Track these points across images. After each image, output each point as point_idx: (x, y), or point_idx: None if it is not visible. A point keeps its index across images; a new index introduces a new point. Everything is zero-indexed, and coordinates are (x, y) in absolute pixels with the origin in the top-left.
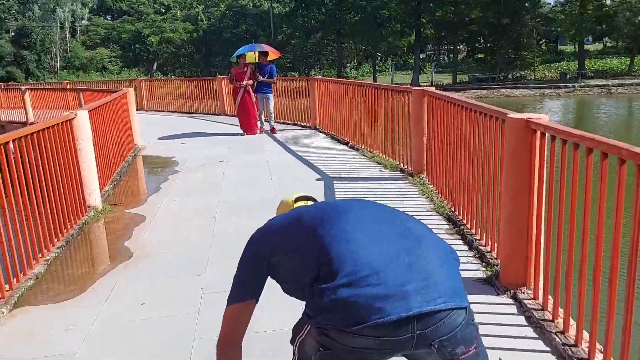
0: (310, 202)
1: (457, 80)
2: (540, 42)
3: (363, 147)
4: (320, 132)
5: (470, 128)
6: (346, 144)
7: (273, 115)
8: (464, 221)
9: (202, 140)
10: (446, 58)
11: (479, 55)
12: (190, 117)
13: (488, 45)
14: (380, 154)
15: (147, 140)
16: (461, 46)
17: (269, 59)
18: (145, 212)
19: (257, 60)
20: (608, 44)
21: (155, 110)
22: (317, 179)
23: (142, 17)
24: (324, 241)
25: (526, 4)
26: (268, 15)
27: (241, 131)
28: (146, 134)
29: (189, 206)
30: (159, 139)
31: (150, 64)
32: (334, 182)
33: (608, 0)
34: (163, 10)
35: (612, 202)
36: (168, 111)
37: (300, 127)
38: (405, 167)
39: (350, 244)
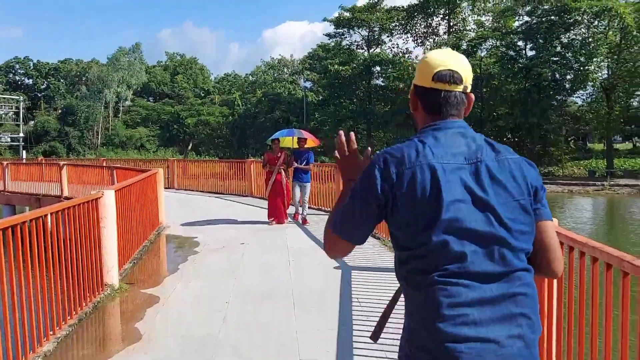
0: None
1: None
2: (569, 139)
3: (384, 236)
4: None
5: None
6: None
7: (307, 205)
8: None
9: (226, 221)
10: None
11: None
12: (218, 197)
13: (515, 140)
14: None
15: (172, 219)
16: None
17: (307, 145)
18: (160, 294)
19: (294, 146)
20: (638, 144)
21: (185, 189)
22: (335, 267)
23: (182, 101)
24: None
25: (553, 102)
26: (301, 102)
27: (268, 219)
28: (172, 213)
29: (203, 290)
30: (184, 218)
31: (186, 144)
32: (352, 271)
33: (635, 102)
34: (202, 95)
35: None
36: (198, 190)
37: (324, 213)
38: None
39: None
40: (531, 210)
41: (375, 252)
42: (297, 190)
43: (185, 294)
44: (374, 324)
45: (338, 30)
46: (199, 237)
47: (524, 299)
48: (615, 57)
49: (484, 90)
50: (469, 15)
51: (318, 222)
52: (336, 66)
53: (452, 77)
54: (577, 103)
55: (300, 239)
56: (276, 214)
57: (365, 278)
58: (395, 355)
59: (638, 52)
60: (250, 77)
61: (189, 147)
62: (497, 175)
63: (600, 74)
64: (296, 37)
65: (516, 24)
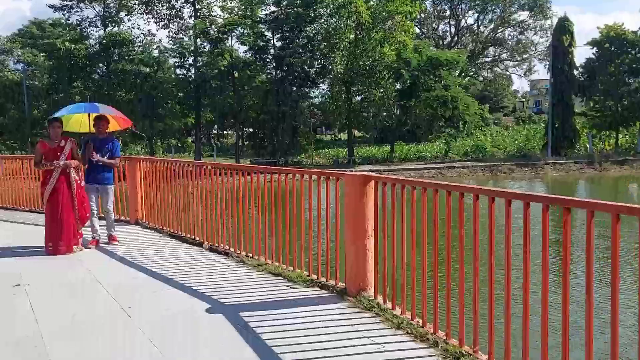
0: None
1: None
2: (315, 129)
3: (235, 250)
4: (147, 228)
5: None
6: (200, 244)
7: (112, 217)
8: None
9: None
10: (218, 142)
11: (261, 141)
12: None
13: (265, 132)
14: (271, 261)
15: None
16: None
17: (110, 129)
18: None
19: (82, 129)
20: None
21: None
22: (208, 311)
23: None
24: None
25: (305, 92)
26: (19, 87)
27: (46, 245)
28: None
29: None
30: None
31: None
32: (241, 314)
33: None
34: None
35: None
36: None
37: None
38: (329, 281)
39: None
40: None
41: (242, 277)
42: (94, 198)
43: None
44: None
45: (65, 2)
46: None
47: None
48: (352, 52)
49: (236, 78)
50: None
51: (127, 236)
52: (67, 44)
53: None
54: (322, 94)
55: (112, 268)
56: (64, 240)
57: (267, 321)
58: None
59: (370, 50)
60: None
61: None
62: None
63: (340, 67)
64: None
65: (263, 13)
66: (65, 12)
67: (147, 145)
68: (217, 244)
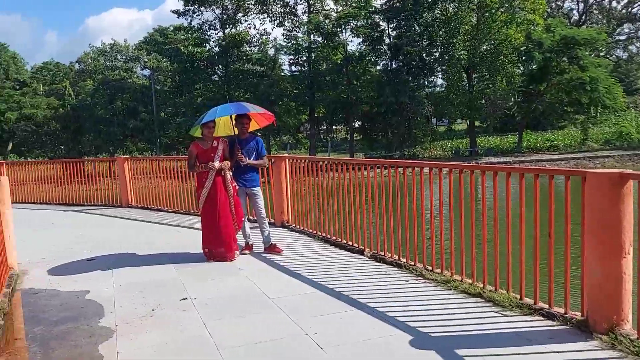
0: None
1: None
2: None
3: (407, 260)
4: (295, 231)
5: None
6: (360, 252)
7: (266, 222)
8: None
9: (121, 252)
10: (328, 137)
11: (374, 135)
12: (80, 210)
13: (380, 124)
14: (460, 277)
15: (27, 256)
16: (357, 125)
17: (252, 127)
18: None
19: (234, 132)
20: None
21: (22, 202)
22: (414, 344)
23: None
24: None
25: (422, 82)
26: (149, 90)
27: (203, 251)
28: (24, 244)
29: None
30: (49, 251)
31: (4, 145)
32: (458, 351)
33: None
34: (17, 87)
35: None
36: (43, 202)
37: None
38: (553, 308)
39: None
40: None
41: (430, 298)
42: (242, 201)
43: None
44: None
45: (188, 7)
46: (93, 292)
47: None
48: (474, 37)
49: (349, 71)
50: None
51: (277, 240)
52: (190, 48)
53: None
54: (440, 84)
55: (280, 279)
56: (218, 242)
57: None
58: None
59: (495, 32)
60: (76, 64)
61: (9, 148)
62: None
63: (464, 53)
64: (124, 25)
65: (377, 3)
66: (187, 17)
67: None
68: (382, 253)
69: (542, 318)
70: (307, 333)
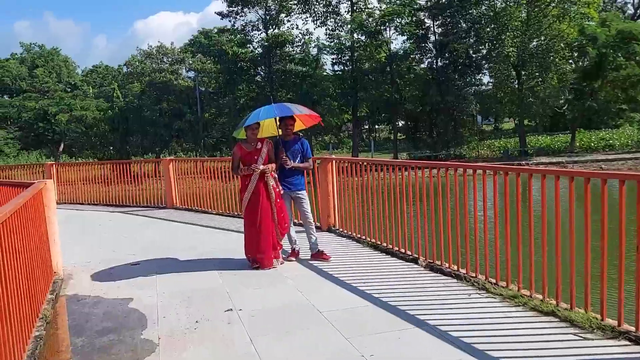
0: None
1: (399, 159)
2: (482, 119)
3: (467, 272)
4: (342, 236)
5: None
6: (413, 260)
7: (313, 227)
8: None
9: (165, 256)
10: (371, 137)
11: (418, 134)
12: (126, 211)
13: (421, 124)
14: (528, 292)
15: (72, 259)
16: (400, 124)
17: (298, 127)
18: None
19: (278, 133)
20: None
21: (71, 203)
22: None
23: (48, 94)
24: None
25: (470, 80)
26: (193, 91)
27: (247, 256)
28: (70, 248)
29: None
30: (93, 255)
31: (56, 146)
32: None
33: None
34: (69, 90)
35: None
36: (90, 203)
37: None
38: None
39: None
40: None
41: (498, 317)
42: (287, 205)
43: None
44: None
45: (231, 8)
46: (136, 299)
47: None
48: (523, 33)
49: (393, 69)
50: None
51: (324, 246)
52: (235, 48)
53: None
54: (487, 82)
55: (329, 289)
56: (260, 248)
57: None
58: None
59: (546, 27)
60: (124, 67)
61: (61, 149)
62: None
63: (513, 50)
64: (170, 28)
65: (422, 0)
66: (231, 18)
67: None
68: (438, 262)
69: (629, 343)
70: (363, 354)
